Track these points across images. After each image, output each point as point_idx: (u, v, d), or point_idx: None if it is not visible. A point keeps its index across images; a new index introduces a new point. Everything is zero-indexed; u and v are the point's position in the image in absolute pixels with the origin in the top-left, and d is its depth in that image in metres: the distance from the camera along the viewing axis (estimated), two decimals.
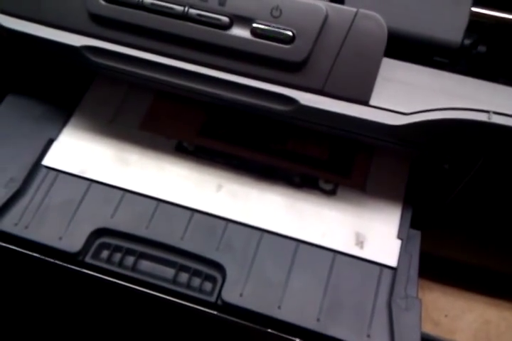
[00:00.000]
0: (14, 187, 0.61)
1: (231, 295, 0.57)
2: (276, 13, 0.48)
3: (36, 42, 0.55)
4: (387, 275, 0.59)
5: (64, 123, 0.68)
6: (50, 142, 0.66)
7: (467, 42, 0.53)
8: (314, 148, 0.68)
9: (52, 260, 0.59)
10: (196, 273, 0.59)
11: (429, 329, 0.89)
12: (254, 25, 0.49)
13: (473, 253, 0.83)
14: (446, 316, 0.92)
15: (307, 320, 0.56)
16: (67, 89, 0.70)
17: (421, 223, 0.64)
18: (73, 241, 0.59)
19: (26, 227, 0.60)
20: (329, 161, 0.67)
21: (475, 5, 0.53)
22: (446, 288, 0.94)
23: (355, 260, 0.60)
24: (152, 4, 0.50)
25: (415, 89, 0.51)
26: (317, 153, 0.68)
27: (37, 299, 0.79)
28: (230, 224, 0.61)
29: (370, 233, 0.62)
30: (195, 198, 0.63)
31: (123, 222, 0.61)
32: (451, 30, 0.51)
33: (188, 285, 0.58)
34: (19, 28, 0.55)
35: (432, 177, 0.65)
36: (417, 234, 0.63)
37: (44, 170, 0.64)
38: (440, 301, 0.92)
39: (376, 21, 0.48)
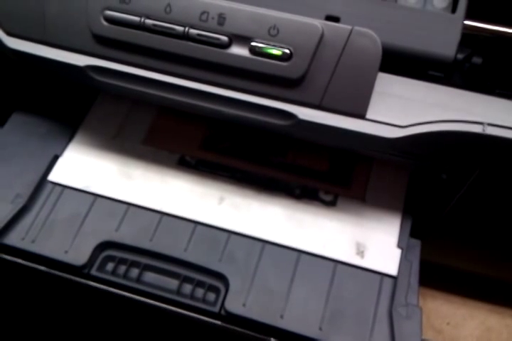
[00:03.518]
0: (21, 202, 0.63)
1: (234, 305, 0.57)
2: (273, 32, 0.50)
3: (41, 63, 0.57)
4: (387, 284, 0.60)
5: (69, 140, 0.69)
6: (55, 158, 0.67)
7: (461, 55, 0.55)
8: (314, 160, 0.69)
9: (58, 273, 0.60)
10: (200, 284, 0.60)
11: (431, 336, 0.89)
12: (253, 43, 0.50)
13: (476, 261, 0.83)
14: (448, 324, 0.92)
15: (309, 329, 0.57)
16: (72, 106, 0.72)
17: (421, 232, 0.65)
18: (79, 255, 0.60)
19: (33, 241, 0.61)
20: (329, 173, 0.69)
21: (467, 18, 0.54)
22: (449, 295, 0.94)
23: (355, 269, 0.61)
24: (154, 25, 0.51)
25: (411, 102, 0.52)
26: (317, 165, 0.69)
27: (44, 311, 0.80)
28: (233, 236, 0.63)
29: (371, 242, 0.63)
30: (197, 211, 0.64)
31: (127, 235, 0.62)
32: (445, 44, 0.52)
33: (192, 296, 0.59)
34: (25, 49, 0.56)
35: (431, 187, 0.66)
36: (416, 243, 0.64)
37: (50, 185, 0.66)
38: (442, 309, 0.93)
39: (371, 38, 0.49)
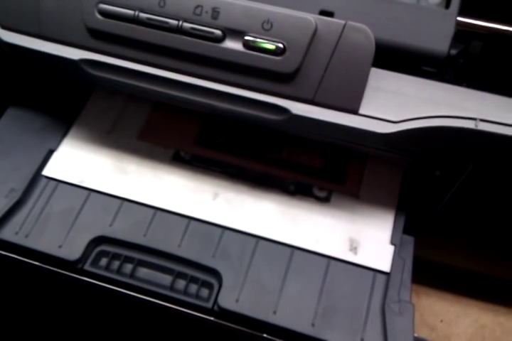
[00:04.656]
0: (15, 197, 0.63)
1: (227, 301, 0.58)
2: (267, 26, 0.50)
3: (36, 56, 0.57)
4: (380, 280, 0.60)
5: (64, 135, 0.69)
6: (50, 153, 0.68)
7: (454, 51, 0.55)
8: (308, 156, 0.69)
9: (52, 268, 0.60)
10: (193, 279, 0.60)
11: (425, 334, 0.89)
12: (246, 37, 0.50)
13: (469, 258, 0.84)
14: (441, 321, 0.92)
15: (302, 325, 0.57)
16: (67, 101, 0.72)
17: (414, 229, 0.65)
18: (73, 250, 0.60)
19: (27, 236, 0.61)
20: (323, 169, 0.69)
21: (461, 15, 0.54)
22: (442, 293, 0.94)
23: (349, 265, 0.61)
24: (148, 19, 0.51)
25: (404, 98, 0.52)
26: (311, 161, 0.69)
27: (37, 306, 0.79)
28: (226, 232, 0.63)
29: (364, 239, 0.63)
30: (191, 206, 0.64)
31: (121, 230, 0.62)
32: (438, 40, 0.52)
33: (185, 292, 0.59)
34: (20, 43, 0.56)
35: (424, 184, 0.66)
36: (410, 240, 0.64)
37: (44, 180, 0.66)
38: (436, 306, 0.93)
39: (364, 33, 0.50)
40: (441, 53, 0.52)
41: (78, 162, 0.67)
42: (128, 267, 0.61)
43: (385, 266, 0.61)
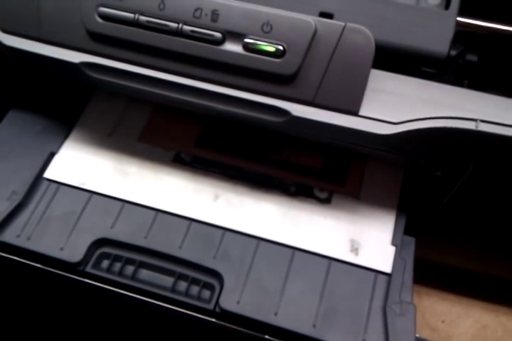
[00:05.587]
0: (16, 199, 0.63)
1: (229, 302, 0.58)
2: (267, 29, 0.50)
3: (37, 60, 0.57)
4: (381, 281, 0.60)
5: (65, 137, 0.70)
6: (51, 155, 0.68)
7: (454, 52, 0.55)
8: (309, 157, 0.69)
9: (53, 270, 0.60)
10: (194, 281, 0.60)
11: (426, 334, 0.89)
12: (246, 40, 0.50)
13: (470, 258, 0.83)
14: (443, 322, 0.92)
15: (303, 326, 0.57)
16: (68, 103, 0.72)
17: (415, 230, 0.65)
18: (74, 252, 0.60)
19: (28, 238, 0.61)
20: (324, 170, 0.69)
21: (461, 15, 0.54)
22: (444, 293, 0.94)
23: (350, 266, 0.61)
24: (147, 21, 0.51)
25: (404, 99, 0.52)
26: (312, 162, 0.69)
27: (39, 308, 0.80)
28: (227, 233, 0.63)
29: (365, 240, 0.63)
30: (192, 208, 0.64)
31: (123, 232, 0.62)
32: (438, 40, 0.52)
33: (187, 294, 0.59)
34: (20, 46, 0.56)
35: (425, 185, 0.66)
36: (411, 241, 0.64)
37: (46, 182, 0.66)
38: (437, 307, 0.93)
39: (364, 34, 0.49)
40: (441, 54, 0.52)
41: (79, 164, 0.67)
42: (129, 269, 0.61)
43: (386, 267, 0.61)
